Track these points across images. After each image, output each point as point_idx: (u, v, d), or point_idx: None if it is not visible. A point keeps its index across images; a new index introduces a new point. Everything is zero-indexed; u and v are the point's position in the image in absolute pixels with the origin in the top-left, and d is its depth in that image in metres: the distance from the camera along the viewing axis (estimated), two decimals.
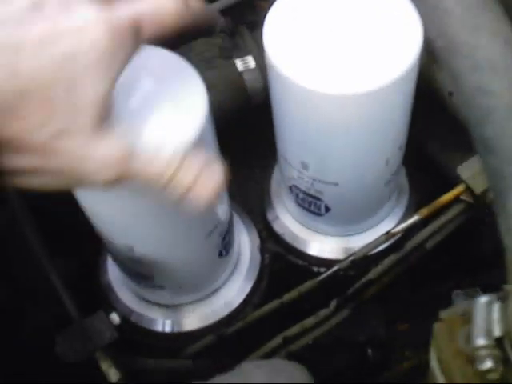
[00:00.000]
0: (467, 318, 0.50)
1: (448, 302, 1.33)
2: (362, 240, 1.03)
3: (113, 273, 1.05)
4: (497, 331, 0.46)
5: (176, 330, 1.03)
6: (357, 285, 1.01)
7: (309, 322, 1.02)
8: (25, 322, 0.88)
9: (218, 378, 0.72)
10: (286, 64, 0.77)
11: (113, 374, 0.79)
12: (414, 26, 0.75)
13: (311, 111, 0.82)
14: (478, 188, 0.95)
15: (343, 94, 0.77)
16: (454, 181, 1.02)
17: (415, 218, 0.97)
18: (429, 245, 1.01)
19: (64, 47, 0.51)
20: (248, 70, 0.99)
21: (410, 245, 0.99)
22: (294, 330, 1.02)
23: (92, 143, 0.54)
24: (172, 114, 0.70)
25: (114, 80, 0.55)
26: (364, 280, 1.01)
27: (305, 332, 1.03)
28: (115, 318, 0.81)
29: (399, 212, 1.07)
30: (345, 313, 1.04)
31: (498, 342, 0.46)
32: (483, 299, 0.48)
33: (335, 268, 0.98)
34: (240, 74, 1.00)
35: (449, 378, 0.51)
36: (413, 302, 1.27)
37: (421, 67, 0.84)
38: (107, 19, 0.53)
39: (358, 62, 0.76)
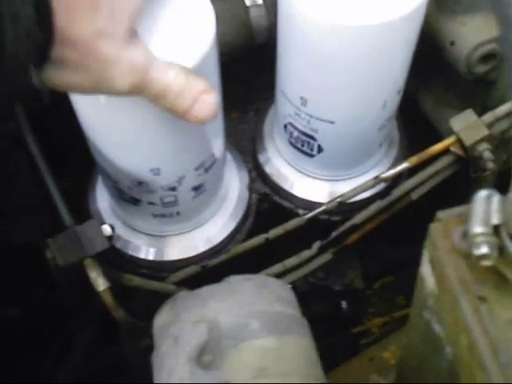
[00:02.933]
0: (464, 219, 0.52)
1: None
2: (349, 186, 1.04)
3: (101, 201, 1.05)
4: (495, 219, 0.47)
5: (159, 258, 1.03)
6: (341, 228, 1.03)
7: (291, 261, 1.03)
8: (15, 232, 0.88)
9: (207, 288, 0.74)
10: None
11: (101, 283, 0.80)
12: None
13: (316, 43, 0.84)
14: (469, 140, 0.96)
15: (350, 25, 0.79)
16: (444, 136, 1.04)
17: (404, 165, 0.99)
18: (414, 195, 1.02)
19: None
20: (255, 5, 1.00)
21: (396, 193, 1.01)
22: (276, 269, 1.03)
23: (123, 48, 0.62)
24: (181, 36, 0.74)
25: None
26: (349, 224, 1.02)
27: (286, 272, 1.04)
28: (107, 229, 0.81)
29: (388, 163, 1.09)
30: (326, 257, 1.06)
31: (495, 230, 0.48)
32: (484, 192, 0.49)
33: (323, 208, 1.00)
34: (247, 8, 1.01)
35: (441, 275, 0.53)
36: (391, 259, 1.29)
37: (427, 17, 0.87)
38: None
39: None
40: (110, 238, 0.81)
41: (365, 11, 0.78)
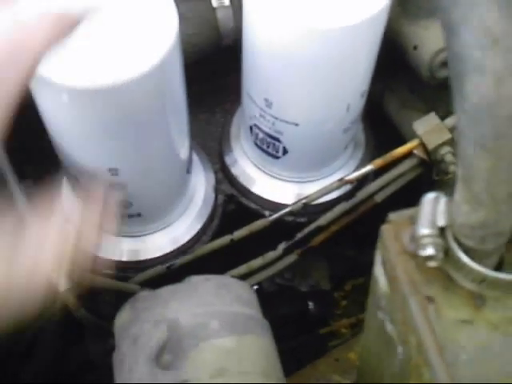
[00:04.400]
0: (413, 221, 0.53)
1: None
2: (314, 188, 1.05)
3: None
4: (441, 221, 0.48)
5: (124, 258, 1.03)
6: (306, 229, 1.03)
7: (256, 263, 1.04)
8: None
9: (167, 288, 0.74)
10: None
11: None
12: None
13: (281, 45, 0.84)
14: (431, 144, 0.98)
15: (314, 27, 0.80)
16: (408, 139, 1.05)
17: (369, 167, 1.00)
18: (378, 197, 1.03)
19: None
20: (222, 6, 1.01)
21: (360, 195, 1.02)
22: (241, 270, 1.04)
23: None
24: (143, 35, 0.75)
25: None
26: (314, 226, 1.03)
27: (251, 273, 1.05)
28: None
29: (353, 165, 1.10)
30: (292, 258, 1.07)
31: (441, 232, 0.49)
32: (431, 195, 0.50)
33: (288, 209, 1.00)
34: (214, 10, 1.01)
35: (392, 276, 0.54)
36: (359, 262, 1.30)
37: (390, 21, 0.88)
38: None
39: None
40: None
41: (328, 14, 0.79)
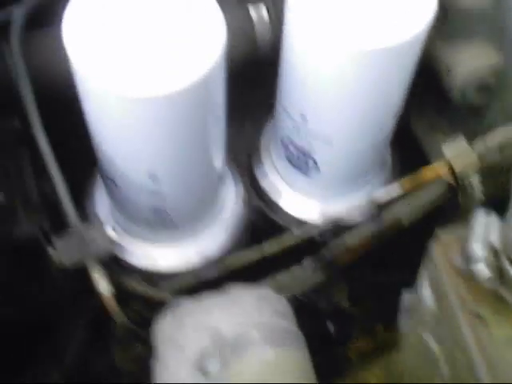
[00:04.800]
0: (463, 239, 0.55)
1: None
2: (340, 204, 1.07)
3: (100, 206, 1.07)
4: (495, 242, 0.50)
5: (152, 267, 1.05)
6: (332, 247, 1.05)
7: (281, 277, 1.05)
8: (15, 229, 0.89)
9: (209, 296, 0.76)
10: (306, 16, 0.82)
11: (104, 286, 0.82)
12: None
13: (320, 64, 0.87)
14: (459, 166, 0.99)
15: (353, 49, 0.82)
16: (434, 160, 1.07)
17: (396, 190, 1.02)
18: (405, 221, 1.05)
19: None
20: (261, 20, 1.03)
21: (387, 217, 1.03)
22: (267, 283, 1.05)
23: None
24: (192, 46, 0.77)
25: None
26: (340, 244, 1.05)
27: (277, 288, 1.06)
28: (112, 232, 0.83)
29: (379, 183, 1.12)
30: (318, 276, 1.08)
31: (495, 252, 0.51)
32: (482, 214, 0.52)
33: (317, 227, 1.02)
34: (252, 23, 1.03)
35: (440, 293, 0.56)
36: (376, 284, 1.32)
37: (425, 44, 0.90)
38: None
39: (376, 19, 0.81)
40: (114, 242, 0.83)
41: (369, 36, 0.81)
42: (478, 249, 0.51)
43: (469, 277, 0.53)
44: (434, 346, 0.59)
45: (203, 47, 0.77)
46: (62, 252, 0.80)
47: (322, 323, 1.23)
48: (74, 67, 0.78)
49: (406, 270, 1.28)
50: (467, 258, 0.52)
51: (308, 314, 1.26)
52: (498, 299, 0.53)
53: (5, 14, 0.94)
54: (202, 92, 0.79)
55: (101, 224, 0.84)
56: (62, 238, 0.80)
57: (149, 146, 0.84)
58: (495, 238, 0.51)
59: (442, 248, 0.56)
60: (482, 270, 0.50)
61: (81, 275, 0.91)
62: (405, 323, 1.25)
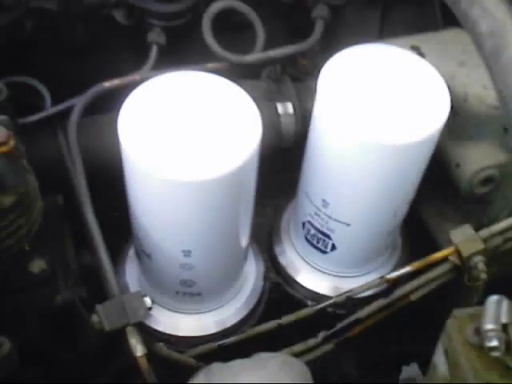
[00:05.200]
0: (475, 317, 0.63)
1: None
2: (353, 283, 1.15)
3: (130, 276, 1.15)
4: (504, 318, 0.59)
5: (175, 333, 1.12)
6: (346, 321, 1.12)
7: (297, 347, 1.12)
8: (57, 296, 0.97)
9: (238, 361, 0.83)
10: (334, 111, 0.93)
11: (139, 349, 0.89)
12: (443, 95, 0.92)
13: (344, 154, 0.97)
14: (466, 252, 1.08)
15: (377, 142, 0.93)
16: (441, 245, 1.16)
17: (407, 268, 1.10)
18: (413, 296, 1.13)
19: None
20: (286, 114, 1.14)
21: (398, 292, 1.11)
22: (284, 352, 1.11)
23: None
24: (232, 138, 0.87)
25: None
26: (353, 318, 1.12)
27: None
28: (148, 300, 0.91)
29: (390, 266, 1.20)
30: (329, 346, 1.15)
31: (504, 328, 0.59)
32: (495, 297, 0.61)
33: (332, 300, 1.10)
34: (279, 116, 1.14)
35: (453, 363, 0.64)
36: (383, 355, 1.38)
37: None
38: None
39: (397, 117, 0.92)
40: (149, 309, 0.90)
41: (391, 132, 0.91)
42: (489, 322, 0.59)
43: (480, 349, 0.61)
44: None
45: (242, 139, 0.88)
46: (103, 318, 0.88)
47: None
48: (124, 151, 0.88)
49: (414, 344, 1.37)
50: (480, 333, 0.60)
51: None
52: (506, 369, 0.61)
53: (66, 104, 1.05)
54: (239, 179, 0.89)
55: (139, 293, 0.92)
56: (104, 304, 0.88)
57: (186, 225, 0.93)
58: (505, 316, 0.59)
59: (457, 323, 0.64)
60: (493, 344, 0.58)
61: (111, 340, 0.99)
62: None
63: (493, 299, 0.61)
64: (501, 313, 0.59)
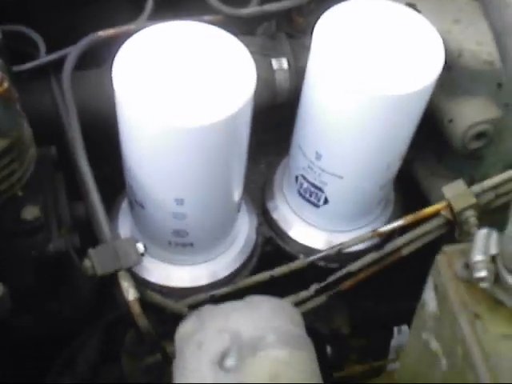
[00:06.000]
0: (464, 253, 0.64)
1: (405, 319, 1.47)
2: (345, 238, 1.15)
3: (122, 228, 1.15)
4: (493, 250, 0.60)
5: (168, 284, 1.13)
6: (337, 274, 1.13)
7: (289, 299, 1.13)
8: (50, 245, 0.97)
9: (230, 303, 0.84)
10: (328, 63, 0.94)
11: (131, 293, 0.90)
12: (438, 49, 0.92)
13: (337, 107, 0.97)
14: (458, 206, 1.09)
15: (371, 94, 0.93)
16: (434, 202, 1.16)
17: (400, 222, 1.11)
18: (405, 251, 1.14)
19: None
20: (281, 69, 1.14)
21: (389, 246, 1.12)
22: None
23: None
24: (225, 86, 0.87)
25: None
26: (344, 271, 1.13)
27: None
28: (141, 246, 0.92)
29: (382, 221, 1.21)
30: (321, 299, 1.16)
31: (493, 259, 0.60)
32: (484, 230, 0.62)
33: (324, 253, 1.11)
34: (273, 71, 1.14)
35: (443, 298, 0.65)
36: (375, 312, 1.40)
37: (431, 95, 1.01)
38: None
39: (390, 69, 0.93)
40: (142, 254, 0.91)
41: (384, 84, 0.92)
42: (478, 254, 0.60)
43: (469, 282, 0.62)
44: (434, 344, 0.67)
45: (236, 87, 0.88)
46: (95, 262, 0.88)
47: (322, 347, 1.31)
48: (118, 97, 0.88)
49: (405, 301, 1.38)
50: (469, 265, 0.61)
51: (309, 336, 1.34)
52: (494, 301, 0.62)
53: (60, 53, 1.05)
54: (232, 126, 0.90)
55: (132, 238, 0.92)
56: (97, 249, 0.89)
57: (179, 173, 0.94)
58: (494, 248, 0.60)
59: (446, 259, 0.65)
60: (482, 274, 0.59)
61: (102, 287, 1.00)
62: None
63: (482, 232, 0.62)
64: (490, 244, 0.60)
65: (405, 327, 1.61)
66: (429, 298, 0.67)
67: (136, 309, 0.90)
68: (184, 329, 0.85)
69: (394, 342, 1.70)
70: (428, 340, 0.69)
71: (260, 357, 0.78)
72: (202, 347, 0.80)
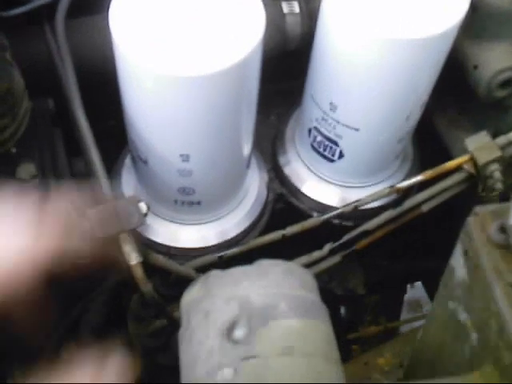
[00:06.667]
0: (498, 215, 0.57)
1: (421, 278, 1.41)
2: (361, 194, 1.09)
3: (126, 187, 1.09)
4: None
5: (175, 244, 1.07)
6: (353, 232, 1.07)
7: (301, 260, 1.08)
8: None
9: (239, 268, 0.78)
10: (342, 5, 0.86)
11: (134, 257, 0.84)
12: None
13: (353, 52, 0.90)
14: (482, 160, 1.02)
15: (387, 37, 0.85)
16: (455, 156, 1.09)
17: (419, 177, 1.04)
18: (425, 207, 1.07)
19: None
20: (292, 13, 1.06)
21: (408, 203, 1.06)
22: None
23: None
24: (233, 31, 0.80)
25: None
26: (361, 229, 1.07)
27: None
28: (144, 206, 0.85)
29: (400, 177, 1.14)
30: (335, 259, 1.10)
31: None
32: None
33: (339, 211, 1.04)
34: (283, 15, 1.06)
35: (474, 265, 0.58)
36: (390, 271, 1.35)
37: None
38: None
39: (411, 10, 0.85)
40: (145, 215, 0.85)
41: (402, 26, 0.84)
42: None
43: (504, 248, 0.55)
44: (462, 315, 0.61)
45: (244, 33, 0.80)
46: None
47: (336, 308, 1.26)
48: (117, 46, 0.80)
49: (421, 260, 1.32)
50: (505, 230, 0.54)
51: (322, 298, 1.29)
52: None
53: None
54: (240, 74, 0.82)
55: (134, 197, 0.86)
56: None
57: (184, 126, 0.86)
58: None
59: (478, 221, 0.58)
60: None
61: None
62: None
63: None
64: None
65: (418, 283, 1.56)
66: (457, 264, 0.61)
67: (139, 273, 0.85)
68: (190, 296, 0.79)
69: (407, 297, 1.66)
70: (456, 310, 0.63)
71: (271, 327, 0.72)
72: (209, 316, 0.74)
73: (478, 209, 0.59)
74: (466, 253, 0.60)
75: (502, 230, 0.56)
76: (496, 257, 0.56)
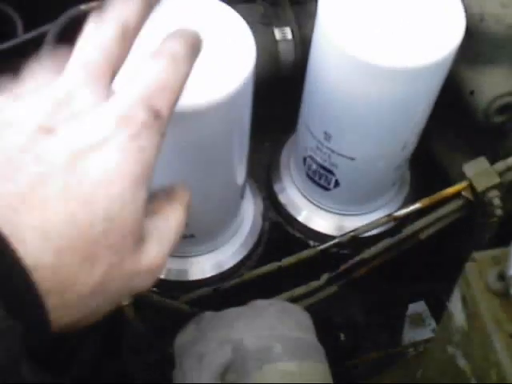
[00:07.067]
0: (497, 261, 0.55)
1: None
2: (357, 222, 1.07)
3: None
4: None
5: (169, 277, 1.05)
6: (350, 262, 1.05)
7: (298, 291, 1.06)
8: None
9: (232, 309, 0.76)
10: (336, 33, 0.83)
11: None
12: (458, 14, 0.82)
13: (347, 81, 0.88)
14: (480, 186, 1.00)
15: (383, 66, 0.83)
16: (454, 181, 1.07)
17: (416, 205, 1.03)
18: (422, 235, 1.06)
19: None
20: (284, 40, 1.04)
21: (406, 231, 1.04)
22: (285, 296, 1.05)
23: (136, 260, 0.53)
24: (222, 62, 0.77)
25: (146, 193, 0.54)
26: (358, 258, 1.05)
27: (293, 300, 1.07)
28: None
29: (397, 203, 1.12)
30: (332, 289, 1.08)
31: None
32: None
33: (336, 240, 1.02)
34: (276, 42, 1.04)
35: (473, 312, 0.56)
36: (390, 296, 1.33)
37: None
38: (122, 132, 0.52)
39: (406, 38, 0.82)
40: None
41: (398, 55, 0.82)
42: None
43: (503, 297, 0.53)
44: (461, 361, 0.59)
45: (233, 65, 0.78)
46: None
47: (335, 336, 1.24)
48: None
49: (420, 284, 1.30)
50: (504, 278, 0.52)
51: (321, 326, 1.27)
52: None
53: (40, 30, 0.96)
54: (231, 107, 0.80)
55: None
56: None
57: (173, 159, 0.84)
58: None
59: (477, 267, 0.56)
60: None
61: None
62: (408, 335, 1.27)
63: None
64: None
65: (420, 301, 1.54)
66: (456, 309, 0.59)
67: (130, 314, 0.83)
68: (183, 338, 0.77)
69: (408, 312, 1.64)
70: (454, 355, 0.61)
71: (265, 370, 0.70)
72: (202, 360, 0.72)
73: (477, 254, 0.57)
74: (463, 299, 0.58)
75: (501, 277, 0.54)
76: (495, 305, 0.54)
